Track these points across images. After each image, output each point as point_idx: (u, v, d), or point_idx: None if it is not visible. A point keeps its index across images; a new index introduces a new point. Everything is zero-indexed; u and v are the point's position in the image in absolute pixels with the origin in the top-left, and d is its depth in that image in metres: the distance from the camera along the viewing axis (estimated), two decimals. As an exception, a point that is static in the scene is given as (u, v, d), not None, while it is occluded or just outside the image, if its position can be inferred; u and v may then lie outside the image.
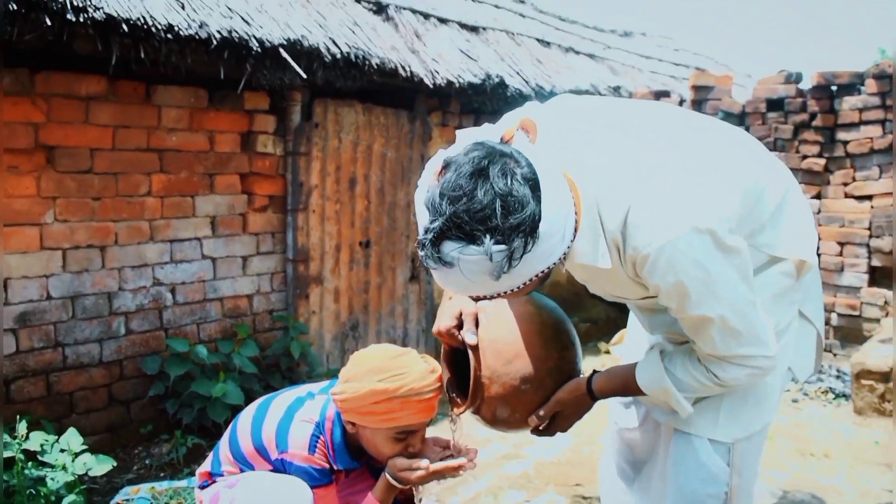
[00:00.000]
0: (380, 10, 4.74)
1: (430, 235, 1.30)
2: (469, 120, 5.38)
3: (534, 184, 1.32)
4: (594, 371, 1.80)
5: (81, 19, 3.00)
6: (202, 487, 2.30)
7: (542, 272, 1.39)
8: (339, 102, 4.49)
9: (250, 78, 3.69)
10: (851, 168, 5.18)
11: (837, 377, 4.87)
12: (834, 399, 4.58)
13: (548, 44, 6.14)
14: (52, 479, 2.66)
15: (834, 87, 5.20)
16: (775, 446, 3.86)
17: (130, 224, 3.70)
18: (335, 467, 2.12)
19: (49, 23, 2.93)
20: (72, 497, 2.69)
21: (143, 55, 3.26)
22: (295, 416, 2.12)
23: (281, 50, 3.67)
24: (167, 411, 3.77)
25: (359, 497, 2.20)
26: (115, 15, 3.08)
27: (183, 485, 3.27)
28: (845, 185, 5.21)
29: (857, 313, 5.17)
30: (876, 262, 5.13)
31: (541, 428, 1.83)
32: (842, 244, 5.23)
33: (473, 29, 5.42)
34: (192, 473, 3.42)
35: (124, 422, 3.76)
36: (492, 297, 1.44)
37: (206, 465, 2.30)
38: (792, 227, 1.67)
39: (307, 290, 4.42)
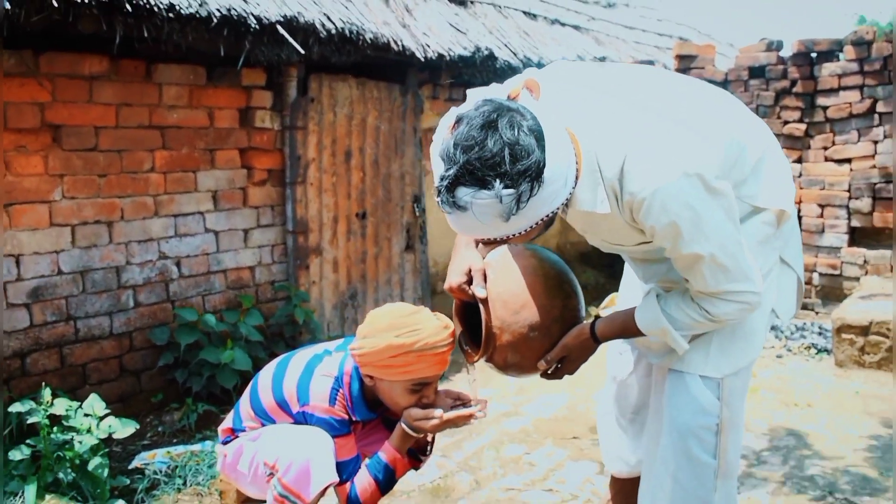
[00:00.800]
0: (371, -15, 4.82)
1: (445, 182, 1.45)
2: (459, 92, 5.49)
3: (538, 134, 1.46)
4: (596, 317, 1.95)
5: (85, 1, 3.08)
6: (225, 443, 2.44)
7: (547, 216, 1.54)
8: (334, 77, 4.59)
9: (249, 55, 3.78)
10: (831, 132, 5.36)
11: (819, 334, 5.06)
12: (816, 354, 4.78)
13: (534, 16, 6.24)
14: (79, 441, 2.80)
15: (813, 55, 5.36)
16: (760, 398, 4.06)
17: (135, 199, 3.81)
18: (353, 418, 2.27)
19: (55, 4, 3.01)
20: (97, 459, 2.83)
21: (145, 34, 3.34)
22: (315, 370, 2.26)
23: (278, 27, 3.76)
24: (177, 380, 3.91)
25: (375, 447, 2.35)
26: (118, -5, 3.17)
27: (197, 448, 3.41)
28: (825, 148, 5.39)
29: (837, 272, 5.37)
30: (855, 223, 5.32)
31: (549, 372, 1.98)
32: (822, 206, 5.41)
33: (462, 3, 5.51)
34: (204, 438, 3.57)
35: (136, 392, 3.89)
36: (502, 240, 1.59)
37: (227, 422, 2.44)
38: (771, 180, 1.82)
39: (307, 260, 4.55)
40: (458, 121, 1.48)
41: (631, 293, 2.20)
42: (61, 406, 2.85)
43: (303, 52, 3.91)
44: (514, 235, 1.56)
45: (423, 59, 4.65)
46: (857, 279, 5.27)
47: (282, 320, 4.33)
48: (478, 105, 1.48)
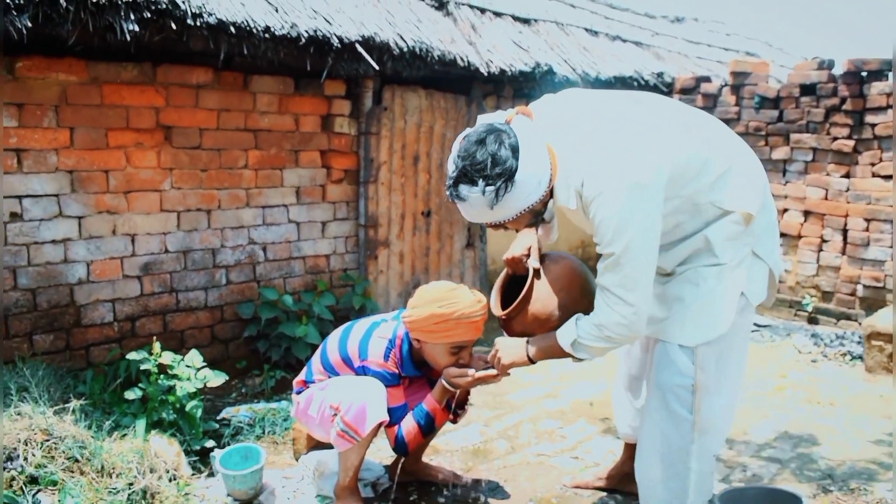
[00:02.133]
0: (441, 6, 5.34)
1: (450, 181, 2.10)
2: (521, 103, 5.94)
3: (515, 149, 2.04)
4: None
5: (198, 23, 3.69)
6: (298, 393, 2.99)
7: (527, 209, 2.12)
8: (405, 88, 5.11)
9: (331, 69, 4.33)
10: (879, 149, 5.55)
11: (858, 342, 5.27)
12: (851, 360, 5.01)
13: (595, 33, 6.63)
14: (180, 387, 3.39)
15: (863, 74, 5.56)
16: (785, 396, 4.37)
17: (231, 192, 4.41)
18: (402, 374, 2.78)
19: (174, 26, 3.62)
20: (194, 402, 3.42)
21: (245, 51, 3.92)
22: (373, 333, 2.79)
23: (357, 45, 4.30)
24: (258, 350, 4.50)
25: (418, 398, 2.86)
26: (224, 19, 3.76)
27: (274, 406, 3.97)
28: (872, 165, 5.58)
29: (881, 284, 5.56)
30: (900, 237, 5.51)
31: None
32: (868, 220, 5.61)
33: (525, 21, 5.97)
34: (280, 399, 4.13)
35: (224, 358, 4.49)
36: (495, 225, 2.19)
37: (301, 376, 2.99)
38: (737, 188, 2.24)
39: (376, 251, 5.08)
40: (464, 137, 2.10)
41: None
42: (167, 358, 3.45)
43: (378, 67, 4.44)
44: (505, 221, 2.15)
45: (486, 74, 5.13)
46: (901, 292, 5.46)
47: (348, 304, 4.87)
48: (477, 127, 2.10)
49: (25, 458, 2.75)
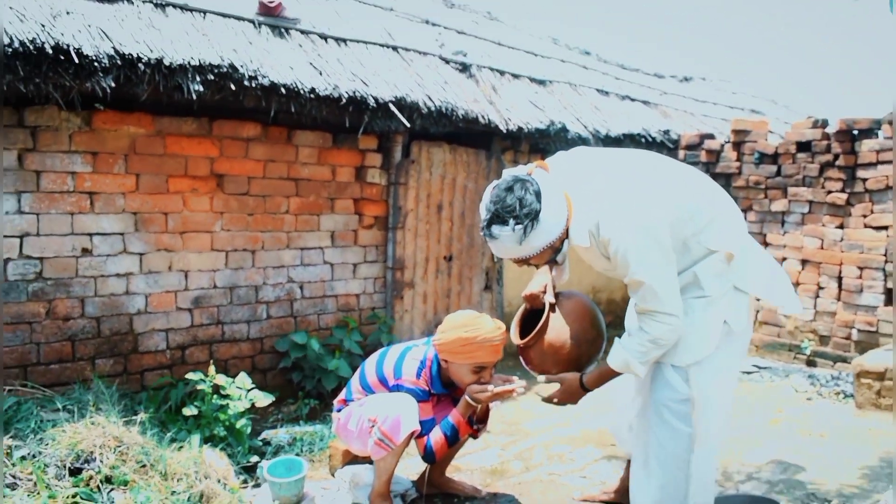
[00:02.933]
0: (464, 69, 5.86)
1: (484, 223, 2.55)
2: (536, 157, 6.43)
3: (538, 194, 2.49)
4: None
5: (253, 84, 4.20)
6: (338, 411, 3.39)
7: (548, 245, 2.55)
8: (431, 143, 5.61)
9: (366, 125, 4.82)
10: (870, 202, 5.95)
11: (851, 382, 5.60)
12: (844, 398, 5.34)
13: (606, 93, 7.15)
14: (232, 406, 3.80)
15: (855, 132, 5.99)
16: (780, 428, 4.70)
17: (273, 234, 4.88)
18: (431, 391, 3.19)
19: (232, 87, 4.13)
20: (243, 420, 3.83)
21: (291, 108, 4.43)
22: (406, 355, 3.22)
23: (391, 105, 4.80)
24: (293, 380, 4.90)
25: (445, 413, 3.26)
26: (276, 81, 4.28)
27: (310, 429, 4.35)
28: (864, 216, 5.97)
29: (874, 329, 5.90)
30: (891, 285, 5.87)
31: (547, 396, 2.95)
32: (861, 268, 5.98)
33: (541, 82, 6.49)
34: (315, 424, 4.51)
35: (262, 386, 4.83)
36: (521, 260, 2.61)
37: (342, 395, 3.40)
38: (721, 232, 2.68)
39: (402, 292, 5.52)
40: (494, 186, 2.57)
41: None
42: (220, 379, 3.87)
43: (408, 124, 4.93)
44: (530, 256, 2.59)
45: (505, 131, 5.62)
46: (891, 336, 5.79)
47: (375, 340, 5.27)
48: (505, 177, 2.57)
49: (101, 461, 3.15)
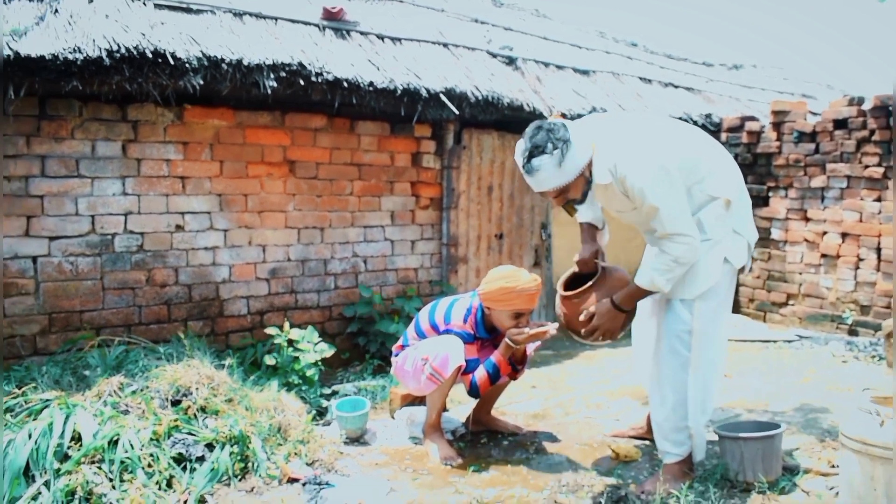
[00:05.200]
0: (510, 62, 6.35)
1: (524, 160, 2.96)
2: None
3: (564, 126, 2.93)
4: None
5: (319, 80, 4.79)
6: (396, 355, 3.92)
7: (584, 167, 2.96)
8: (481, 130, 6.10)
9: (420, 114, 5.35)
10: (907, 175, 6.17)
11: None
12: (879, 361, 5.60)
13: (649, 81, 7.51)
14: (304, 357, 4.38)
15: (890, 107, 6.21)
16: (811, 384, 5.01)
17: (339, 214, 5.46)
18: (476, 335, 3.68)
19: (301, 82, 4.73)
20: (313, 369, 4.41)
21: (353, 101, 5.00)
22: (455, 304, 3.73)
23: (441, 95, 5.33)
24: (359, 344, 5.46)
25: (488, 354, 3.75)
26: (339, 76, 4.85)
27: (373, 382, 4.90)
28: (902, 189, 6.19)
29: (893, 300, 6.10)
30: (929, 254, 6.07)
31: (587, 332, 3.27)
32: (900, 239, 6.19)
33: (584, 72, 6.92)
34: (377, 378, 5.05)
35: (332, 346, 5.47)
36: (561, 191, 3.01)
37: (399, 342, 3.93)
38: (720, 181, 3.12)
39: (456, 266, 6.03)
40: (523, 137, 3.01)
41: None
42: (294, 334, 4.46)
43: (457, 112, 5.45)
44: (569, 183, 2.97)
45: (549, 118, 6.06)
46: (931, 303, 5.99)
47: (435, 309, 5.79)
48: (529, 126, 3.01)
49: (196, 394, 3.75)
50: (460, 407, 4.46)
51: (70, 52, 3.90)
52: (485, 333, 3.74)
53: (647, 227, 3.20)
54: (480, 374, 3.66)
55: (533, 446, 3.88)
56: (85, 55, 3.93)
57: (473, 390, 3.70)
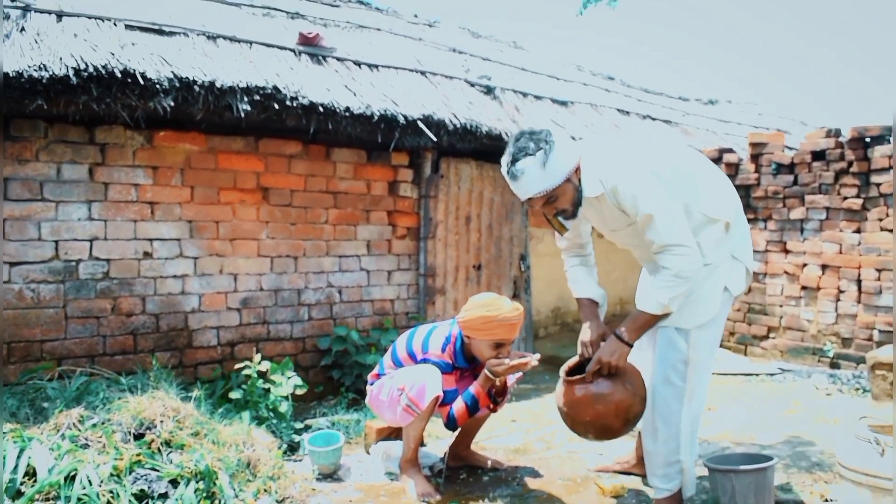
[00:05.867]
0: (489, 91, 6.30)
1: (508, 164, 2.83)
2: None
3: (549, 132, 2.82)
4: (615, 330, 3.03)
5: (294, 104, 4.68)
6: (371, 384, 3.76)
7: (569, 172, 2.82)
8: (459, 160, 6.02)
9: (397, 142, 5.26)
10: (885, 206, 6.16)
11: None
12: (862, 393, 5.52)
13: (627, 112, 7.51)
14: (276, 390, 4.20)
15: (867, 139, 6.23)
16: (797, 416, 4.91)
17: (314, 243, 5.32)
18: (455, 364, 3.54)
19: (276, 106, 4.62)
20: (285, 403, 4.22)
21: (329, 126, 4.89)
22: (433, 332, 3.59)
23: (419, 122, 5.25)
24: (333, 378, 5.28)
25: (467, 383, 3.60)
26: (315, 101, 4.75)
27: (348, 416, 4.72)
28: (880, 220, 6.17)
29: (892, 329, 6.06)
30: (909, 285, 6.05)
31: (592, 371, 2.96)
32: (879, 270, 6.16)
33: (563, 103, 6.90)
34: (352, 412, 4.87)
35: (304, 383, 5.27)
36: (547, 199, 2.86)
37: (375, 370, 3.77)
38: (717, 201, 3.02)
39: (434, 297, 5.89)
40: (508, 145, 2.89)
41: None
42: (264, 366, 4.27)
43: (435, 140, 5.36)
44: (555, 188, 2.82)
45: (528, 146, 6.00)
46: (912, 335, 5.94)
47: (412, 341, 5.64)
48: (517, 132, 2.90)
49: (161, 427, 3.56)
50: (438, 441, 4.30)
51: (35, 70, 3.76)
52: (464, 363, 3.60)
53: (643, 247, 3.07)
54: (458, 406, 3.51)
55: (514, 482, 3.71)
56: (51, 73, 3.79)
57: (451, 423, 3.55)
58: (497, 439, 4.42)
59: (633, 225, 2.96)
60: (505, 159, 2.86)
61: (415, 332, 3.71)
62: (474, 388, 3.52)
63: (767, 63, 29.80)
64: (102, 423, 3.45)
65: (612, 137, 3.17)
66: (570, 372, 3.11)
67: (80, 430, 3.41)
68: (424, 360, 3.55)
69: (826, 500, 3.31)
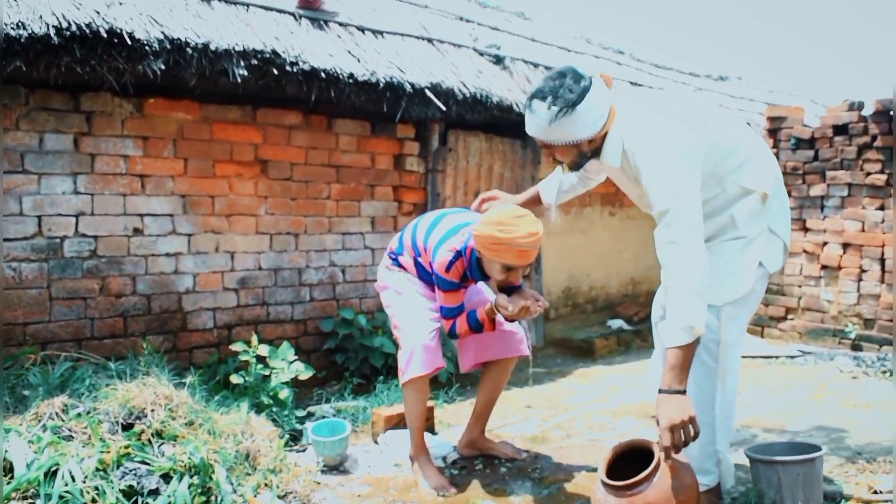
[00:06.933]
0: (498, 61, 5.98)
1: (529, 96, 2.59)
2: (572, 149, 6.49)
3: (585, 90, 2.51)
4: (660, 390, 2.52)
5: (294, 70, 4.37)
6: (390, 256, 3.49)
7: (575, 142, 2.58)
8: (468, 133, 5.72)
9: (403, 112, 4.94)
10: (912, 182, 5.90)
11: (898, 361, 5.52)
12: (890, 376, 5.27)
13: (639, 86, 7.20)
14: (276, 376, 3.91)
15: (892, 112, 5.95)
16: (825, 401, 4.66)
17: (316, 219, 5.02)
18: (462, 281, 3.23)
19: (275, 72, 4.31)
20: (287, 390, 3.94)
21: (331, 95, 4.58)
22: (449, 239, 3.19)
23: (426, 91, 4.93)
24: (336, 362, 5.00)
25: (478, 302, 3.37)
26: (316, 67, 4.44)
27: (354, 403, 4.44)
28: (906, 197, 5.92)
29: (909, 311, 5.80)
30: (935, 265, 5.79)
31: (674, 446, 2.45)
32: (905, 248, 5.91)
33: (575, 74, 6.57)
34: (358, 398, 4.59)
35: (308, 367, 5.00)
36: (546, 146, 2.64)
37: (392, 243, 3.51)
38: (756, 172, 2.74)
39: (441, 277, 5.60)
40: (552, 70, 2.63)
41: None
42: (264, 350, 3.99)
43: (444, 109, 5.05)
44: (555, 143, 2.61)
45: (539, 118, 5.70)
46: (940, 316, 5.69)
47: (419, 323, 5.36)
48: (566, 65, 2.62)
49: (152, 417, 3.28)
50: (451, 429, 4.03)
51: (12, 28, 3.44)
52: (479, 276, 3.25)
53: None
54: (462, 322, 3.29)
55: (535, 473, 3.45)
56: (30, 31, 3.47)
57: (452, 334, 3.33)
58: (512, 427, 4.16)
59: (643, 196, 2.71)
60: (533, 88, 2.62)
61: (440, 220, 3.32)
62: (479, 313, 3.26)
63: (775, 41, 29.39)
64: (88, 413, 3.18)
65: (660, 101, 2.83)
66: (611, 470, 2.53)
67: (63, 421, 3.13)
68: (431, 267, 3.26)
69: (875, 492, 3.04)
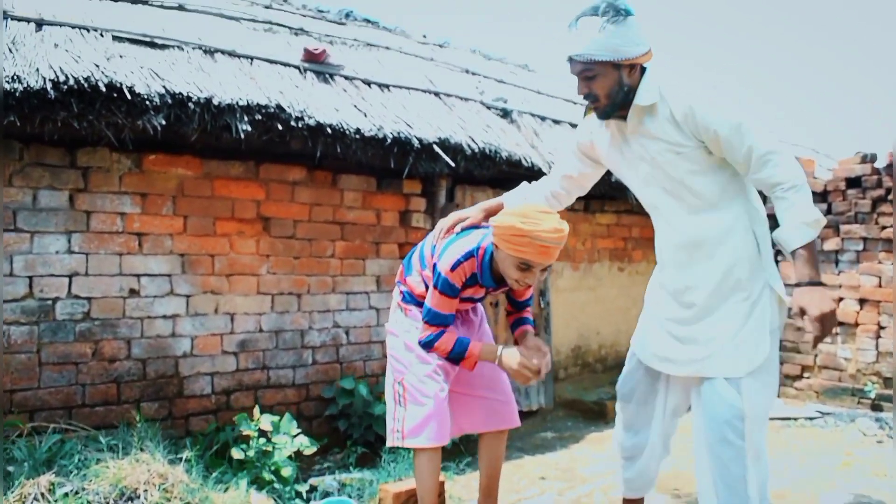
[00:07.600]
0: (505, 114, 5.87)
1: (574, 18, 2.53)
2: (580, 203, 6.34)
3: (631, 11, 2.49)
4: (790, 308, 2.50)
5: (300, 125, 4.22)
6: (401, 281, 3.14)
7: (620, 59, 2.49)
8: (475, 188, 5.57)
9: (411, 167, 4.78)
10: (929, 237, 5.76)
11: (925, 426, 5.31)
12: (918, 442, 5.05)
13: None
14: (278, 451, 3.67)
15: (906, 166, 5.85)
16: (854, 470, 4.43)
17: (319, 278, 4.83)
18: (480, 282, 2.87)
19: (279, 127, 4.16)
20: (290, 466, 3.69)
21: (337, 150, 4.42)
22: (459, 238, 2.88)
23: (434, 146, 4.79)
24: (339, 428, 4.75)
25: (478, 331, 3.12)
26: (322, 121, 4.29)
27: (359, 476, 4.19)
28: (924, 252, 5.77)
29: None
30: (958, 323, 5.61)
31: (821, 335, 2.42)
32: (923, 304, 5.74)
33: (582, 127, 6.47)
34: (363, 470, 4.34)
35: (307, 434, 4.71)
36: (593, 67, 2.51)
37: (403, 265, 3.15)
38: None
39: (448, 337, 5.38)
40: None
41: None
42: (266, 422, 3.75)
43: (452, 164, 4.90)
44: (595, 59, 2.49)
45: (547, 174, 5.56)
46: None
47: (425, 385, 5.13)
48: None
49: (145, 498, 3.04)
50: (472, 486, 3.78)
51: (7, 82, 3.28)
52: (491, 282, 2.89)
53: (679, 195, 2.63)
54: (446, 340, 2.85)
55: (558, 556, 3.20)
56: (25, 85, 3.32)
57: (426, 345, 2.89)
58: (527, 502, 3.91)
59: (682, 154, 2.53)
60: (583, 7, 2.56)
61: (446, 248, 2.94)
62: (474, 346, 2.85)
63: (781, 94, 29.67)
64: (76, 493, 2.97)
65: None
66: None
67: (49, 502, 2.90)
68: (436, 267, 2.85)
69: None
